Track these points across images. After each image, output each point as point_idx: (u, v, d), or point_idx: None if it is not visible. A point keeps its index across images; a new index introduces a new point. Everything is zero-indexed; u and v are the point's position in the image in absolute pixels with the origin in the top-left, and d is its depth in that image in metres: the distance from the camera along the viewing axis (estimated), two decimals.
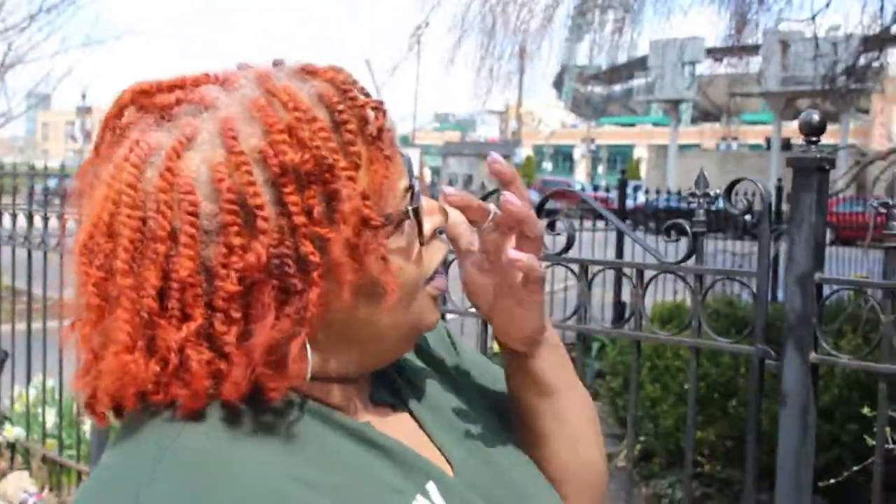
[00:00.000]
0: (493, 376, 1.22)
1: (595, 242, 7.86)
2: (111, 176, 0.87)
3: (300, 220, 0.84)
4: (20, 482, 4.62)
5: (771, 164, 37.42)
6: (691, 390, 2.41)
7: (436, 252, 1.00)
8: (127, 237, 0.84)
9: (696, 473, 4.80)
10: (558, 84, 37.94)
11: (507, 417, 1.16)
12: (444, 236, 1.03)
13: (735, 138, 52.66)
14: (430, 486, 0.95)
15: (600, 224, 8.84)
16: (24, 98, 19.91)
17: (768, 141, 47.27)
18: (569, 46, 15.65)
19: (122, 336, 0.84)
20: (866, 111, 38.41)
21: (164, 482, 0.80)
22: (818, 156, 2.19)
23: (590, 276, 2.58)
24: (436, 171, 51.69)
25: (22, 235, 4.62)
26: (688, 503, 2.52)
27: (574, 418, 1.15)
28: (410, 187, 0.95)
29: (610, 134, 67.44)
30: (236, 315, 0.84)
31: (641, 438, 5.43)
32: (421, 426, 1.05)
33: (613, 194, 10.03)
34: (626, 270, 2.57)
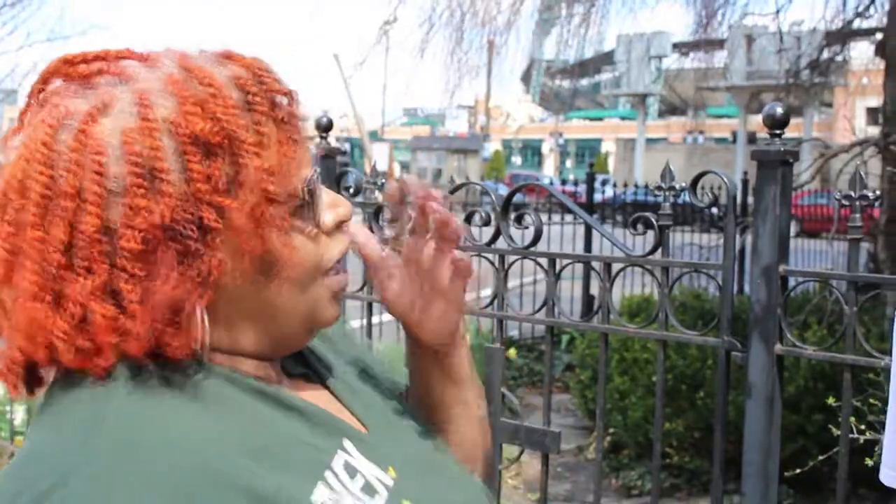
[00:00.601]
0: (383, 367, 1.28)
1: (563, 236, 7.88)
2: (28, 136, 0.90)
3: (203, 187, 0.88)
4: None
5: (737, 158, 37.64)
6: (659, 382, 2.41)
7: (338, 243, 1.03)
8: (38, 192, 0.87)
9: (664, 464, 4.81)
10: (526, 78, 38.02)
11: (403, 403, 1.21)
12: (347, 230, 1.05)
13: (701, 132, 52.88)
14: (347, 444, 1.00)
15: (569, 218, 8.87)
16: None
17: (734, 134, 47.55)
18: (536, 40, 15.70)
19: (29, 286, 0.87)
20: (830, 105, 38.63)
21: (95, 457, 0.82)
22: (782, 149, 2.20)
23: (558, 269, 2.58)
24: (405, 166, 51.66)
25: None
26: (656, 494, 2.52)
27: (474, 400, 1.23)
28: (313, 176, 0.98)
29: (578, 128, 67.55)
30: (139, 273, 0.87)
31: (611, 430, 5.45)
32: (335, 396, 1.10)
33: (581, 188, 10.06)
34: (594, 264, 2.57)
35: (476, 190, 4.61)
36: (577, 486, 5.45)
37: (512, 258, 2.71)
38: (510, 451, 2.92)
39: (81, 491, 0.80)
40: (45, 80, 0.95)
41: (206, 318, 0.91)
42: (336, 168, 3.15)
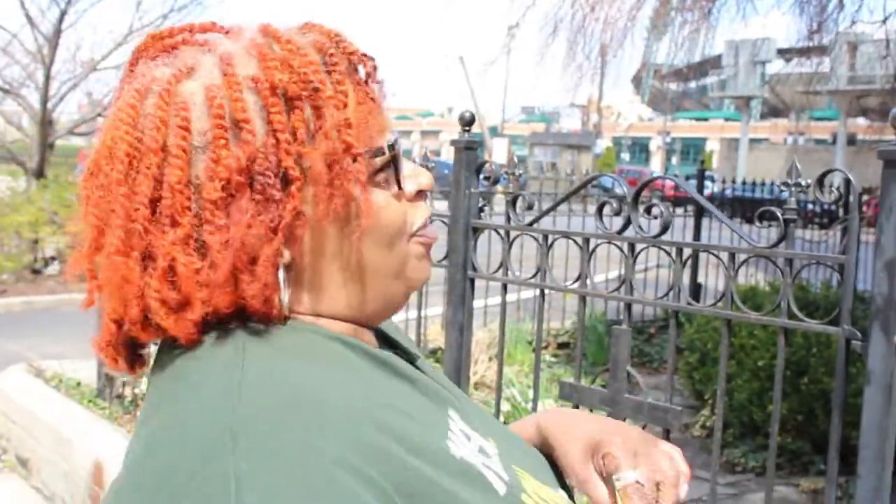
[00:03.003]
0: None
1: (673, 228, 7.76)
2: (117, 108, 0.88)
3: (284, 137, 0.84)
4: None
5: (836, 159, 36.50)
6: (779, 367, 2.36)
7: (420, 211, 0.98)
8: (124, 150, 0.84)
9: (767, 444, 4.71)
10: (637, 80, 37.45)
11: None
12: (429, 200, 1.02)
13: (802, 133, 51.50)
14: (453, 414, 0.95)
15: (678, 210, 8.74)
16: None
17: (834, 136, 46.13)
18: (648, 45, 15.44)
19: (117, 241, 0.83)
20: None
21: (252, 409, 0.77)
22: None
23: (683, 258, 2.54)
24: (522, 160, 51.52)
25: None
26: (771, 475, 2.46)
27: None
28: (395, 141, 0.94)
29: (684, 127, 66.42)
30: (220, 222, 0.83)
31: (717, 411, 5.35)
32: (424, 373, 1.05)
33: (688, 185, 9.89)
34: (719, 253, 2.52)
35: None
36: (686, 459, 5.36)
37: (640, 246, 2.68)
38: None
39: (254, 440, 0.73)
40: (135, 58, 0.93)
41: (284, 276, 0.87)
42: (476, 159, 3.15)
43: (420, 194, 0.98)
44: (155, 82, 0.86)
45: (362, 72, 0.92)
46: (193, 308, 0.83)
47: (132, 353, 0.92)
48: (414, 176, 0.97)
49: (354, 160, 0.87)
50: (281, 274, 0.86)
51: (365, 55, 0.93)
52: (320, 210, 0.87)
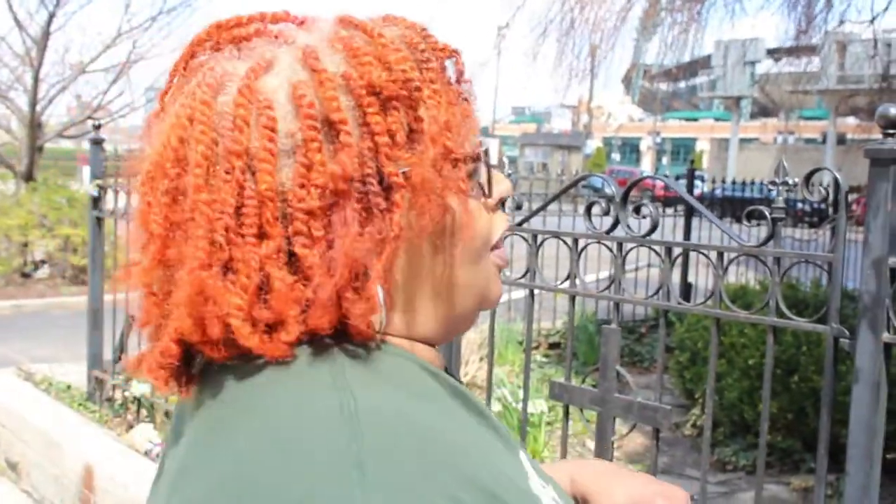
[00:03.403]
0: None
1: (664, 227, 7.77)
2: (180, 104, 0.79)
3: (382, 140, 0.77)
4: (145, 433, 4.71)
5: (826, 157, 36.58)
6: (768, 366, 2.36)
7: (500, 220, 0.91)
8: (201, 153, 0.75)
9: (757, 443, 4.73)
10: (627, 81, 37.50)
11: None
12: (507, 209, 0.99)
13: (792, 132, 51.62)
14: (522, 455, 0.88)
15: (668, 210, 8.76)
16: (145, 92, 20.25)
17: (824, 135, 46.24)
18: (638, 46, 15.47)
19: (199, 253, 0.74)
20: None
21: (377, 441, 0.69)
22: (895, 147, 2.13)
23: (673, 258, 2.55)
24: (513, 160, 51.53)
25: None
26: (761, 473, 2.46)
27: None
28: (484, 145, 0.87)
29: (674, 128, 66.59)
30: (318, 234, 0.75)
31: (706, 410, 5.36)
32: None
33: (678, 184, 9.92)
34: (708, 252, 2.53)
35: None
36: (675, 460, 5.38)
37: (630, 246, 2.68)
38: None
39: (384, 474, 0.68)
40: (192, 51, 0.84)
41: (381, 295, 0.78)
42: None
43: (500, 203, 0.91)
44: (228, 76, 0.78)
45: (451, 69, 0.85)
46: (288, 328, 0.75)
47: (186, 372, 0.82)
48: (497, 183, 0.89)
49: (455, 166, 0.81)
50: (379, 292, 0.77)
51: (455, 51, 0.86)
52: (420, 222, 0.79)
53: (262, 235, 0.74)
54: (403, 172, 0.77)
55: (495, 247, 0.90)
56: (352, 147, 0.75)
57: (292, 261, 0.75)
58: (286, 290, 0.74)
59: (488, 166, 0.87)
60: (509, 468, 0.80)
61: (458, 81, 0.86)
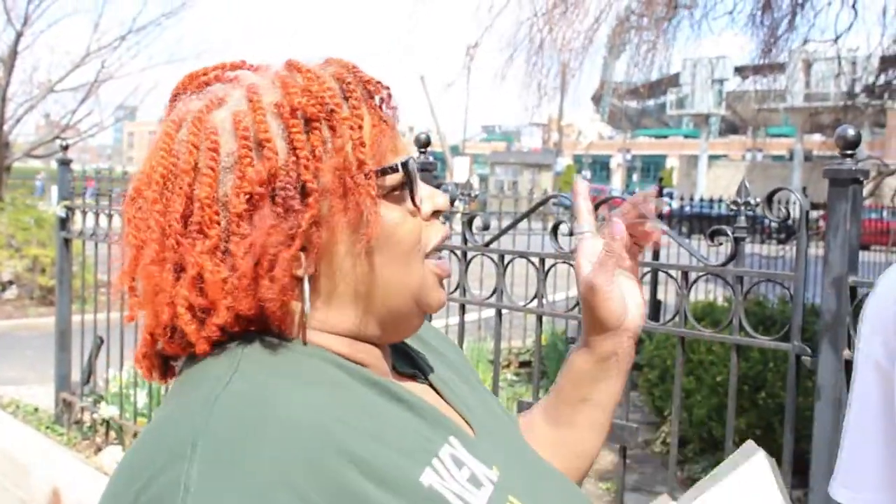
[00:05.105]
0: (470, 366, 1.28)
1: None
2: (155, 139, 0.96)
3: (303, 154, 0.91)
4: (115, 456, 4.68)
5: (793, 175, 36.96)
6: (732, 383, 2.39)
7: (435, 230, 1.02)
8: (160, 173, 0.92)
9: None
10: (597, 99, 37.76)
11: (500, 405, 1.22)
12: (445, 222, 1.06)
13: (760, 150, 52.10)
14: (453, 440, 0.97)
15: None
16: (114, 110, 20.19)
17: (791, 152, 46.72)
18: (607, 64, 15.58)
19: (151, 253, 0.90)
20: (882, 126, 37.78)
21: (219, 422, 0.81)
22: (853, 168, 2.17)
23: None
24: (483, 178, 51.64)
25: (115, 233, 4.70)
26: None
27: (610, 406, 1.22)
28: (409, 160, 0.99)
29: (644, 145, 67.04)
30: (245, 231, 0.89)
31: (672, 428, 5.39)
32: (441, 396, 1.09)
33: None
34: (672, 272, 2.56)
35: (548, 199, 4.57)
36: (645, 477, 5.41)
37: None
38: None
39: (210, 451, 0.79)
40: (174, 96, 1.01)
41: (307, 287, 0.92)
42: (432, 181, 3.17)
43: (436, 214, 1.03)
44: (188, 113, 0.95)
45: (377, 98, 0.99)
46: (218, 312, 0.90)
47: (165, 365, 0.99)
48: (431, 197, 1.02)
49: (366, 176, 0.93)
50: (306, 286, 0.93)
51: (380, 83, 1.00)
52: (335, 221, 0.92)
53: (202, 234, 0.90)
54: (319, 180, 0.91)
55: (437, 256, 1.03)
56: (272, 160, 0.90)
57: (226, 255, 0.90)
58: (217, 280, 0.89)
59: (411, 179, 0.98)
60: (401, 457, 0.88)
61: (381, 108, 0.99)
